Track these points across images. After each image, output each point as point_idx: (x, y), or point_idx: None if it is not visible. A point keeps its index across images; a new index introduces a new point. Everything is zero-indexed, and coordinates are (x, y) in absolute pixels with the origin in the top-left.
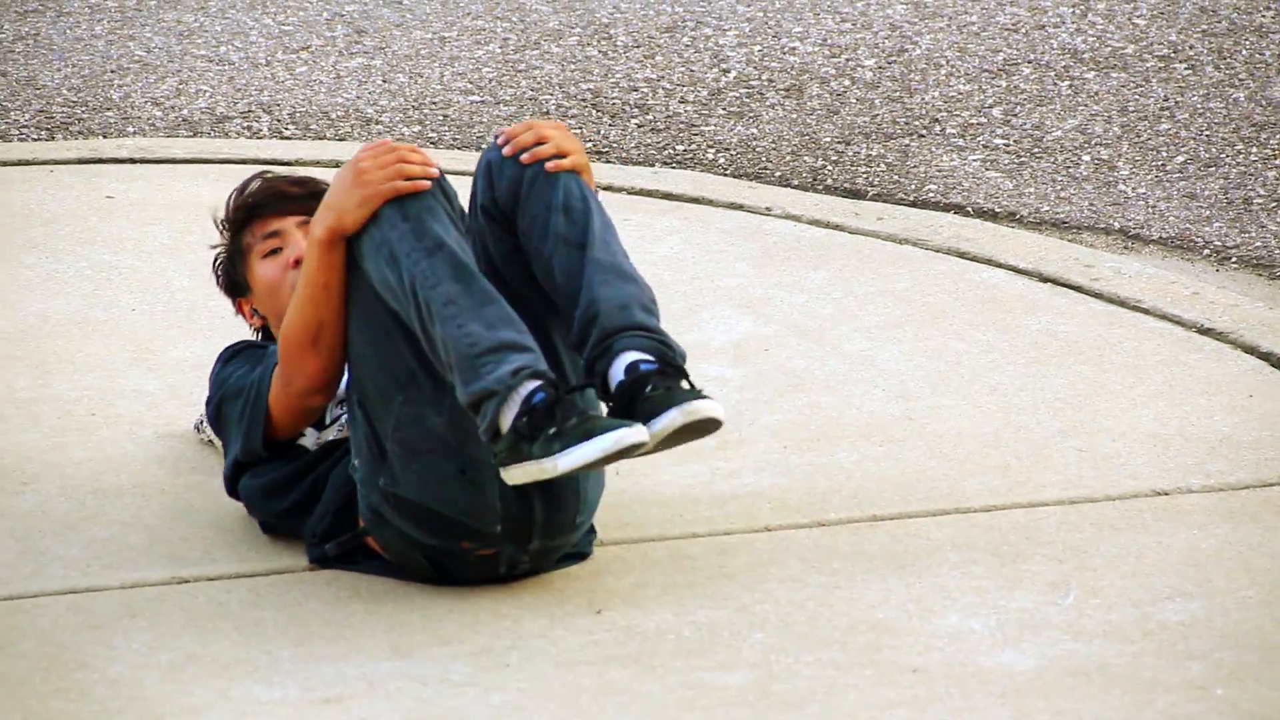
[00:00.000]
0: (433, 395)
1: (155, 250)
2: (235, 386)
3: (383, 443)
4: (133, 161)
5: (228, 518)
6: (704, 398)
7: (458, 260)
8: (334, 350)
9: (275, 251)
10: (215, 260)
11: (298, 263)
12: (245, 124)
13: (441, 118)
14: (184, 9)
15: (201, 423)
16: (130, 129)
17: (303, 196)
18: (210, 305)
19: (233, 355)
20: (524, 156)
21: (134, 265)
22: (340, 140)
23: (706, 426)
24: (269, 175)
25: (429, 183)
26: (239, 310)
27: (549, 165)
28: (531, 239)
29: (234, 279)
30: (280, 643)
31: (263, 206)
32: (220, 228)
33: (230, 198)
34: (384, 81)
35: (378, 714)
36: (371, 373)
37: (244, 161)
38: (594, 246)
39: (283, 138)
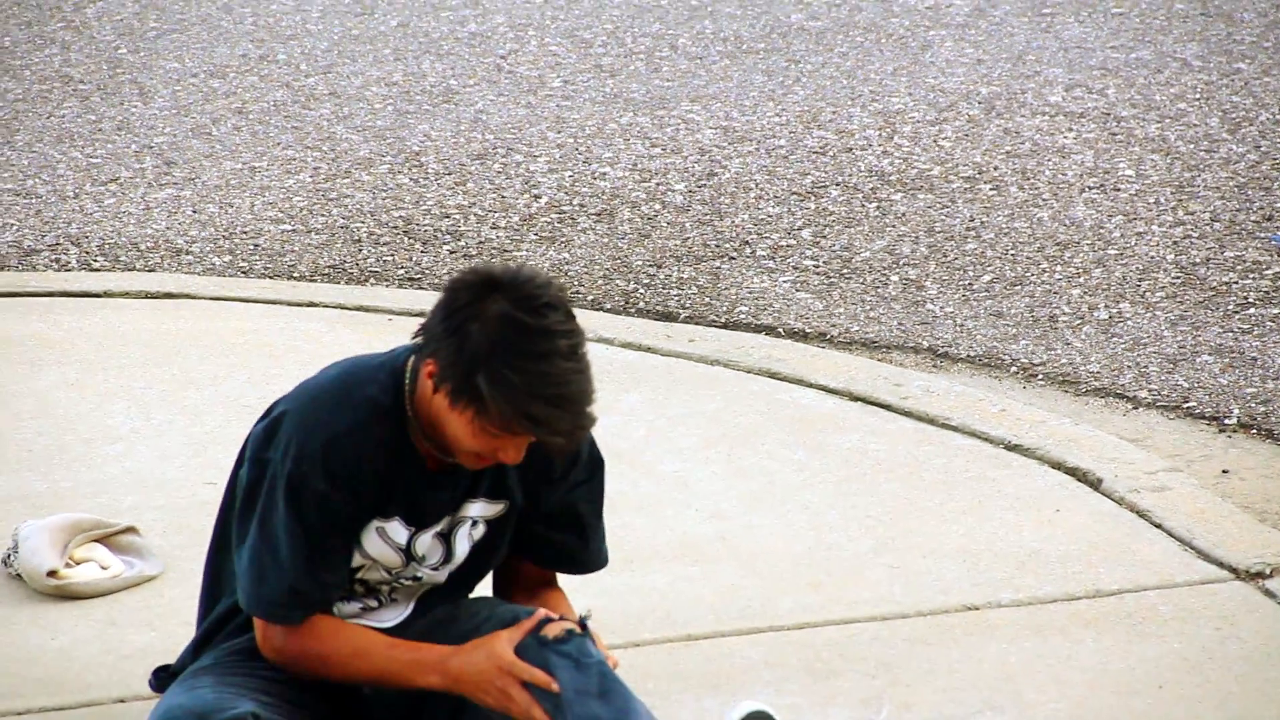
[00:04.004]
0: None
1: None
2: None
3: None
4: None
5: (36, 652)
6: None
7: None
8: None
9: (479, 418)
10: (453, 322)
11: (479, 459)
12: (53, 256)
13: (253, 247)
14: None
15: (10, 556)
16: None
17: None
18: (17, 439)
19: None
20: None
21: None
22: (150, 270)
23: None
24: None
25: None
26: (425, 367)
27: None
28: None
29: (447, 358)
30: None
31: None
32: (497, 336)
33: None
34: (194, 212)
35: None
36: None
37: (52, 294)
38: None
39: (91, 269)
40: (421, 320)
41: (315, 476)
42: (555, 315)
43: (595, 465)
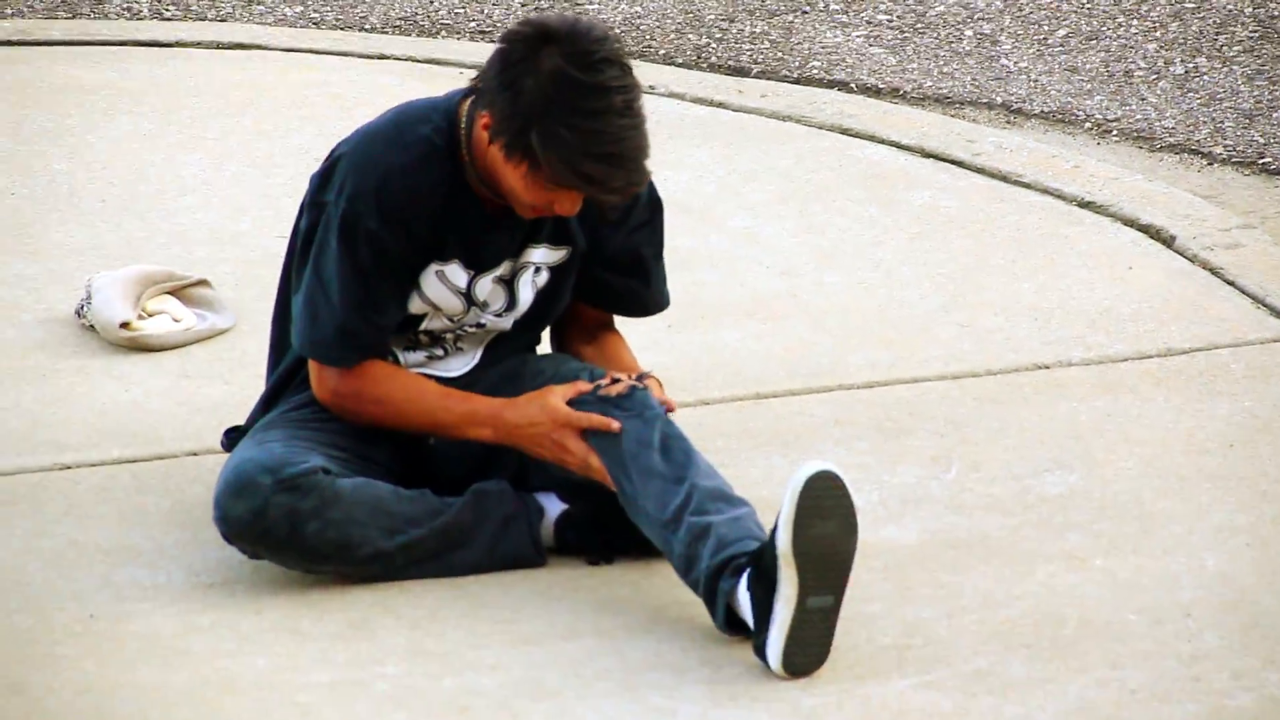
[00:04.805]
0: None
1: (33, 134)
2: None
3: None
4: (10, 44)
5: (110, 403)
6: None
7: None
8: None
9: (532, 173)
10: (507, 76)
11: (535, 211)
12: (125, 4)
13: None
14: None
15: (83, 307)
16: (8, 9)
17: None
18: (90, 189)
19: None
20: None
21: (12, 149)
22: (222, 20)
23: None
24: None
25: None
26: (480, 119)
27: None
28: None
29: (501, 112)
30: (164, 528)
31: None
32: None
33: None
34: None
35: (261, 598)
36: None
37: (124, 43)
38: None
39: (163, 19)
40: None
41: (368, 216)
42: (611, 70)
43: (655, 207)
